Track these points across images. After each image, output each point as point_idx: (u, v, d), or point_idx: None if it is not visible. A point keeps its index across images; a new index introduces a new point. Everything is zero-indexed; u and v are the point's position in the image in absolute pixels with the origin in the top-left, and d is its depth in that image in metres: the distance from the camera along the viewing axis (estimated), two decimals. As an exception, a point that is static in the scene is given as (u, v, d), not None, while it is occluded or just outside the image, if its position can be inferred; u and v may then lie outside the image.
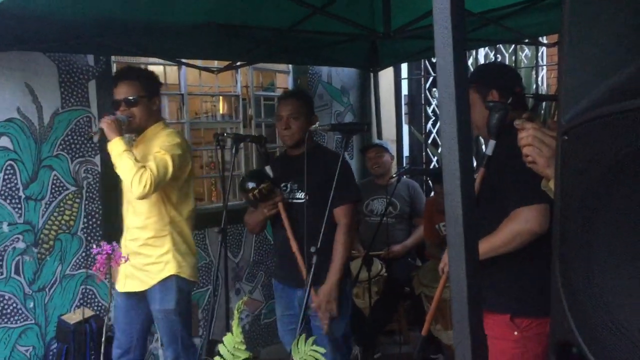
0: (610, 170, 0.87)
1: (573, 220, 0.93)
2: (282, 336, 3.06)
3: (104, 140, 3.65)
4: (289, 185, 2.91)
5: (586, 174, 0.90)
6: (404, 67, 5.50)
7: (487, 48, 5.21)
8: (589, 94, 0.90)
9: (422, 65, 5.50)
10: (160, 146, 2.74)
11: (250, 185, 2.76)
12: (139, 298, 2.95)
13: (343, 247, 2.75)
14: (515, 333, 2.04)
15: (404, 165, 5.39)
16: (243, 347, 1.50)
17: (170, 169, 2.70)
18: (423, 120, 5.60)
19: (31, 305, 3.43)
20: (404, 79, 5.53)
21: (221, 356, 1.52)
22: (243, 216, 4.47)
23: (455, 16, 0.95)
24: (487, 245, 2.06)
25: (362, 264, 3.78)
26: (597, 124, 0.88)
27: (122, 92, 2.85)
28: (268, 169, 2.83)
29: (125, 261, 1.46)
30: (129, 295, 2.96)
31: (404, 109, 5.54)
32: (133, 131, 2.96)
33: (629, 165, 0.84)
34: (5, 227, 3.31)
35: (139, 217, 2.86)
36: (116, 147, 2.70)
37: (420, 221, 4.32)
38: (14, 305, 3.35)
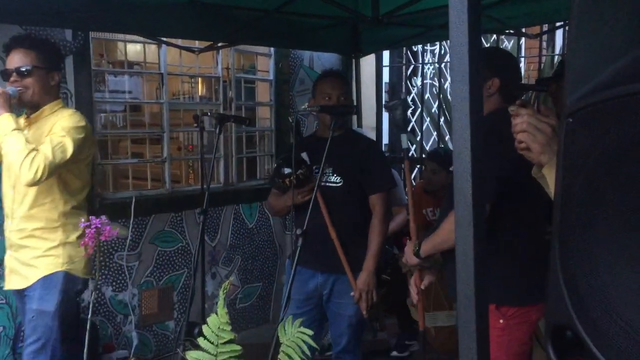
0: (614, 153, 0.86)
1: (575, 203, 0.92)
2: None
3: None
4: (320, 168, 2.81)
5: (590, 156, 0.89)
6: (386, 54, 5.48)
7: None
8: (595, 77, 0.89)
9: (404, 54, 5.50)
10: (61, 127, 2.44)
11: (287, 171, 2.63)
12: (23, 298, 2.60)
13: (379, 235, 2.71)
14: (501, 321, 2.06)
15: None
16: (229, 327, 1.48)
17: (69, 152, 2.39)
18: (402, 109, 5.60)
19: (2, 285, 3.34)
20: (385, 66, 5.52)
21: (205, 337, 1.50)
22: (222, 199, 4.44)
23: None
24: (430, 243, 2.12)
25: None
26: (603, 107, 0.87)
27: (15, 61, 2.49)
28: (305, 155, 2.70)
29: (115, 235, 1.42)
30: (16, 293, 2.65)
31: (384, 96, 5.53)
32: (25, 106, 2.58)
33: (634, 148, 0.84)
34: None
35: (26, 204, 2.51)
36: (4, 124, 2.36)
37: (398, 210, 4.32)
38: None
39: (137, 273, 3.96)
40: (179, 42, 4.08)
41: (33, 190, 2.47)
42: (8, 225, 2.60)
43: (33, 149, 2.32)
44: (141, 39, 3.99)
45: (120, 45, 4.51)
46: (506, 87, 2.13)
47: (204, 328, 1.51)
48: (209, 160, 3.66)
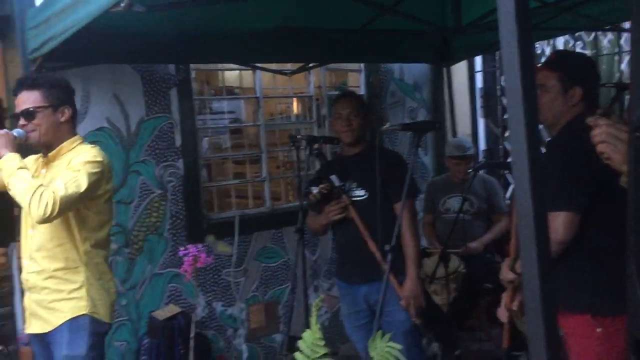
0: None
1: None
2: (350, 334, 3.12)
3: (187, 145, 3.88)
4: (346, 184, 2.95)
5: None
6: (478, 59, 5.40)
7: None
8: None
9: (497, 57, 5.38)
10: (77, 162, 2.33)
11: (314, 189, 2.80)
12: (45, 343, 2.47)
13: (413, 239, 2.81)
14: (598, 330, 1.99)
15: (480, 159, 5.30)
16: (322, 343, 1.55)
17: (84, 187, 2.26)
18: (499, 113, 5.48)
19: (124, 302, 3.65)
20: (478, 72, 5.43)
21: (301, 352, 1.59)
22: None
23: (520, 10, 0.95)
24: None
25: (439, 261, 3.76)
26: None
27: (20, 103, 2.41)
28: (334, 178, 2.83)
29: (210, 262, 1.53)
30: (37, 339, 2.52)
31: (479, 102, 5.44)
32: (38, 147, 2.48)
33: None
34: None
35: (46, 244, 2.39)
36: (9, 164, 2.26)
37: (498, 217, 4.24)
38: (109, 302, 3.58)
39: (244, 288, 4.16)
40: (272, 66, 4.27)
41: (52, 229, 2.36)
42: (26, 266, 2.48)
43: (40, 185, 2.21)
44: (237, 66, 4.23)
45: (219, 73, 4.78)
46: (588, 94, 2.07)
47: (300, 343, 1.60)
48: (305, 179, 3.80)
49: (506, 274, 2.24)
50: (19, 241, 2.56)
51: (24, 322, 2.55)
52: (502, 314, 2.35)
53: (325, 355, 1.55)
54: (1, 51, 3.56)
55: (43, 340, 2.47)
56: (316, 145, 2.90)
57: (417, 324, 2.78)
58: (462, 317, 4.12)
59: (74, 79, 3.34)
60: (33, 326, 2.49)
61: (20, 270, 2.60)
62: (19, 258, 2.54)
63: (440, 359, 3.98)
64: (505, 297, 2.32)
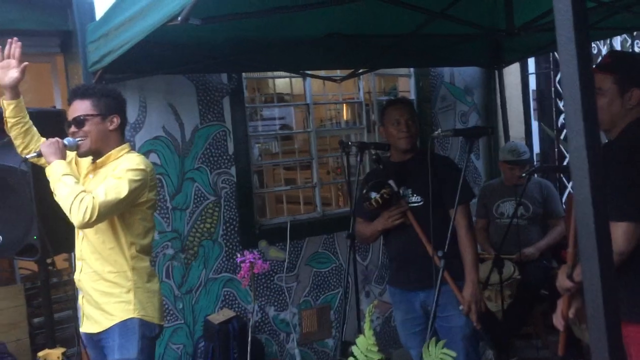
0: None
1: None
2: (405, 340, 3.09)
3: (240, 152, 3.95)
4: (401, 191, 2.92)
5: None
6: (531, 61, 5.29)
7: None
8: None
9: (551, 59, 5.26)
10: (120, 169, 2.39)
11: (373, 195, 2.78)
12: (98, 347, 2.56)
13: (471, 244, 2.80)
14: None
15: (535, 163, 5.18)
16: (375, 348, 1.56)
17: (124, 194, 2.31)
18: (554, 116, 5.35)
19: (180, 306, 3.74)
20: (532, 73, 5.33)
21: (354, 357, 1.60)
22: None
23: (577, 13, 0.95)
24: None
25: (492, 267, 3.71)
26: None
27: (72, 111, 2.50)
28: (392, 182, 2.81)
29: (266, 269, 1.56)
30: (90, 341, 2.60)
31: (532, 104, 5.33)
32: (87, 155, 2.54)
33: None
34: (156, 236, 3.65)
35: (96, 247, 2.46)
36: (54, 170, 2.33)
37: (555, 222, 4.14)
38: (166, 306, 3.67)
39: (296, 293, 4.20)
40: (322, 72, 4.30)
41: (103, 233, 2.43)
42: (78, 267, 2.56)
43: (82, 191, 2.28)
44: (287, 73, 4.28)
45: (270, 81, 4.85)
46: None
47: (354, 349, 1.61)
48: (355, 184, 3.81)
49: (563, 282, 2.18)
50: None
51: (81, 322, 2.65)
52: (558, 322, 2.28)
53: (379, 360, 1.56)
54: (64, 64, 3.72)
55: (95, 341, 2.54)
56: (374, 151, 2.91)
57: (478, 329, 2.74)
58: (517, 324, 4.03)
59: (131, 90, 3.48)
60: (85, 325, 2.57)
61: None
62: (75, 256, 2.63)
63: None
64: (561, 304, 2.26)
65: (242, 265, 1.55)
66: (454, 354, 1.46)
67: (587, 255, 0.93)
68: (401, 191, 2.88)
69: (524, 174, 3.87)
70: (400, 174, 2.85)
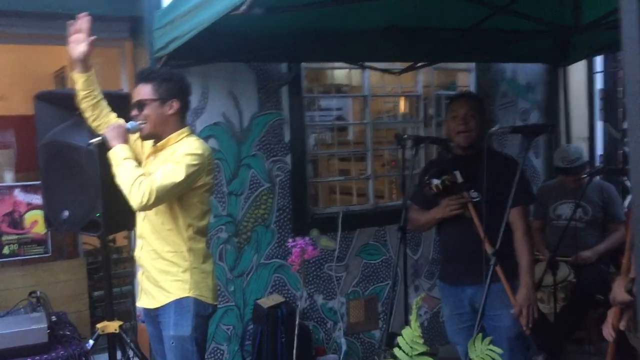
0: None
1: None
2: (452, 336, 3.06)
3: (295, 141, 4.01)
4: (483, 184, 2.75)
5: None
6: (599, 60, 5.12)
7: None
8: None
9: (619, 57, 5.07)
10: (178, 153, 2.45)
11: (435, 181, 2.73)
12: (155, 322, 2.65)
13: (527, 246, 2.71)
14: None
15: (597, 164, 5.02)
16: (421, 340, 1.57)
17: (180, 178, 2.36)
18: (619, 117, 5.17)
19: (232, 289, 3.84)
20: (599, 72, 5.15)
21: (400, 348, 1.62)
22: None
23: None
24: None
25: (546, 268, 3.63)
26: None
27: (136, 94, 2.58)
28: (458, 173, 2.74)
29: (317, 255, 1.59)
30: (148, 317, 2.70)
31: (598, 104, 5.16)
32: (149, 138, 2.61)
33: None
34: (211, 219, 3.75)
35: (155, 227, 2.54)
36: (116, 154, 2.42)
37: (616, 227, 4.02)
38: (218, 288, 3.76)
39: (345, 283, 4.24)
40: (381, 65, 4.30)
41: (160, 214, 2.50)
42: (138, 245, 2.65)
43: (141, 175, 2.35)
44: (346, 65, 4.30)
45: (328, 71, 4.88)
46: None
47: (399, 340, 1.63)
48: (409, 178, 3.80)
49: (621, 295, 2.11)
50: None
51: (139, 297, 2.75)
52: (608, 333, 2.22)
53: (424, 353, 1.57)
54: (132, 49, 3.86)
55: (152, 316, 2.63)
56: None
57: (527, 334, 2.67)
58: (570, 328, 3.94)
59: (194, 77, 3.58)
60: (142, 300, 2.66)
61: None
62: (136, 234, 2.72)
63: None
64: (611, 314, 2.20)
65: (293, 250, 1.59)
66: (500, 350, 1.46)
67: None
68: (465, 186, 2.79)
69: (584, 175, 3.76)
70: (462, 168, 2.77)
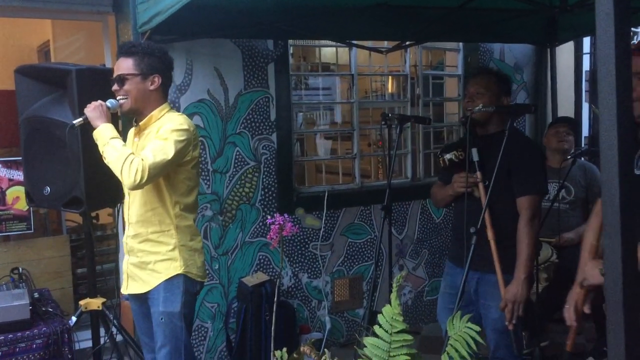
0: None
1: None
2: (439, 312, 3.03)
3: (282, 119, 3.98)
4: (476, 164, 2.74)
5: None
6: (587, 41, 5.11)
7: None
8: None
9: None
10: (164, 130, 2.41)
11: (447, 155, 2.69)
12: (142, 301, 2.64)
13: (527, 240, 2.55)
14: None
15: (583, 146, 5.05)
16: (401, 318, 1.58)
17: (171, 155, 2.35)
18: (606, 98, 5.18)
19: (216, 267, 3.84)
20: (586, 54, 5.15)
21: (380, 325, 1.62)
22: (407, 195, 4.57)
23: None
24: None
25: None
26: None
27: (116, 68, 2.51)
28: (474, 152, 2.62)
29: (295, 231, 1.58)
30: (135, 297, 2.68)
31: (584, 85, 5.17)
32: (129, 114, 2.58)
33: None
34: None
35: (140, 208, 2.52)
36: (102, 134, 2.40)
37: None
38: (202, 265, 3.78)
39: (330, 262, 4.25)
40: (368, 43, 4.26)
41: (145, 194, 2.49)
42: (126, 230, 2.64)
43: (130, 154, 2.33)
44: (333, 42, 4.26)
45: (316, 49, 4.84)
46: None
47: (379, 317, 1.64)
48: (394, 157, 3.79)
49: (596, 278, 2.01)
50: (123, 202, 2.73)
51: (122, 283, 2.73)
52: (569, 316, 2.05)
53: (403, 330, 1.58)
54: (115, 23, 3.80)
55: (140, 298, 2.63)
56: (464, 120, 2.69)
57: (510, 329, 2.56)
58: (552, 308, 3.99)
59: (179, 52, 3.53)
60: (130, 287, 2.64)
61: (123, 229, 2.79)
62: (124, 219, 2.71)
63: (526, 348, 3.89)
64: (574, 297, 2.07)
65: (272, 226, 1.59)
66: (477, 328, 1.47)
67: (611, 246, 0.91)
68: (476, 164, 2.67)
69: (569, 157, 3.78)
70: (481, 148, 2.65)
